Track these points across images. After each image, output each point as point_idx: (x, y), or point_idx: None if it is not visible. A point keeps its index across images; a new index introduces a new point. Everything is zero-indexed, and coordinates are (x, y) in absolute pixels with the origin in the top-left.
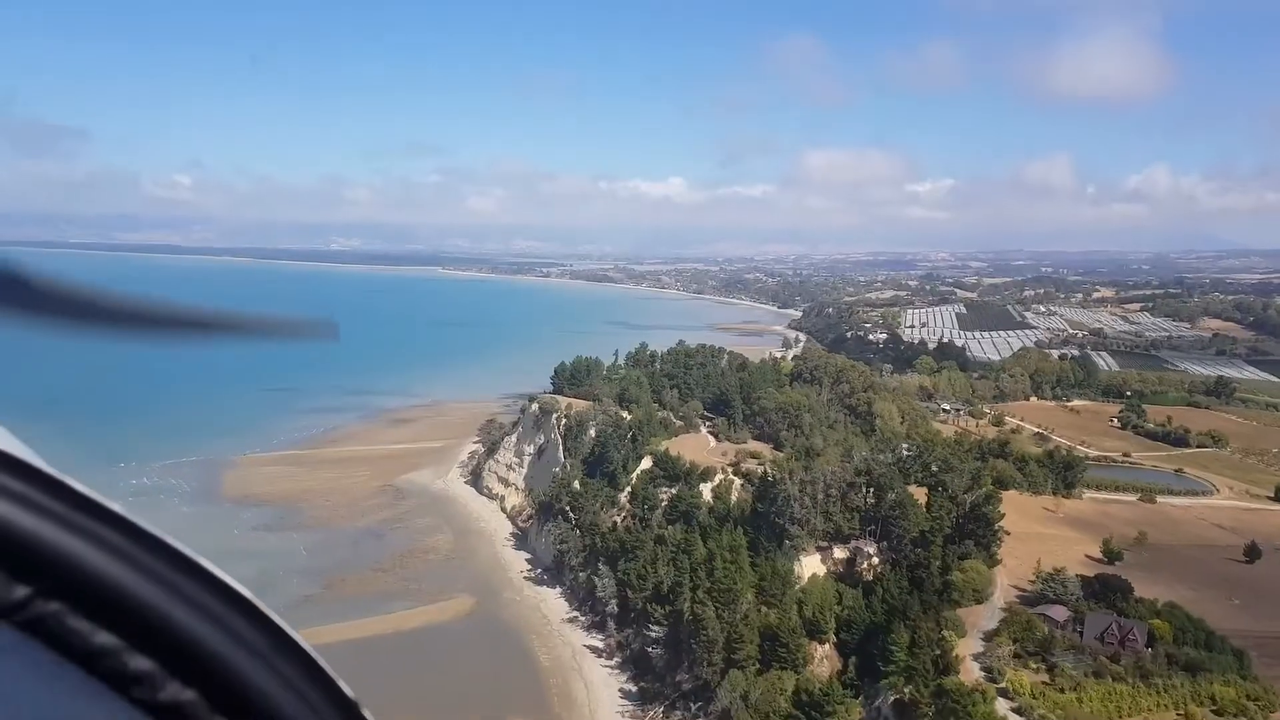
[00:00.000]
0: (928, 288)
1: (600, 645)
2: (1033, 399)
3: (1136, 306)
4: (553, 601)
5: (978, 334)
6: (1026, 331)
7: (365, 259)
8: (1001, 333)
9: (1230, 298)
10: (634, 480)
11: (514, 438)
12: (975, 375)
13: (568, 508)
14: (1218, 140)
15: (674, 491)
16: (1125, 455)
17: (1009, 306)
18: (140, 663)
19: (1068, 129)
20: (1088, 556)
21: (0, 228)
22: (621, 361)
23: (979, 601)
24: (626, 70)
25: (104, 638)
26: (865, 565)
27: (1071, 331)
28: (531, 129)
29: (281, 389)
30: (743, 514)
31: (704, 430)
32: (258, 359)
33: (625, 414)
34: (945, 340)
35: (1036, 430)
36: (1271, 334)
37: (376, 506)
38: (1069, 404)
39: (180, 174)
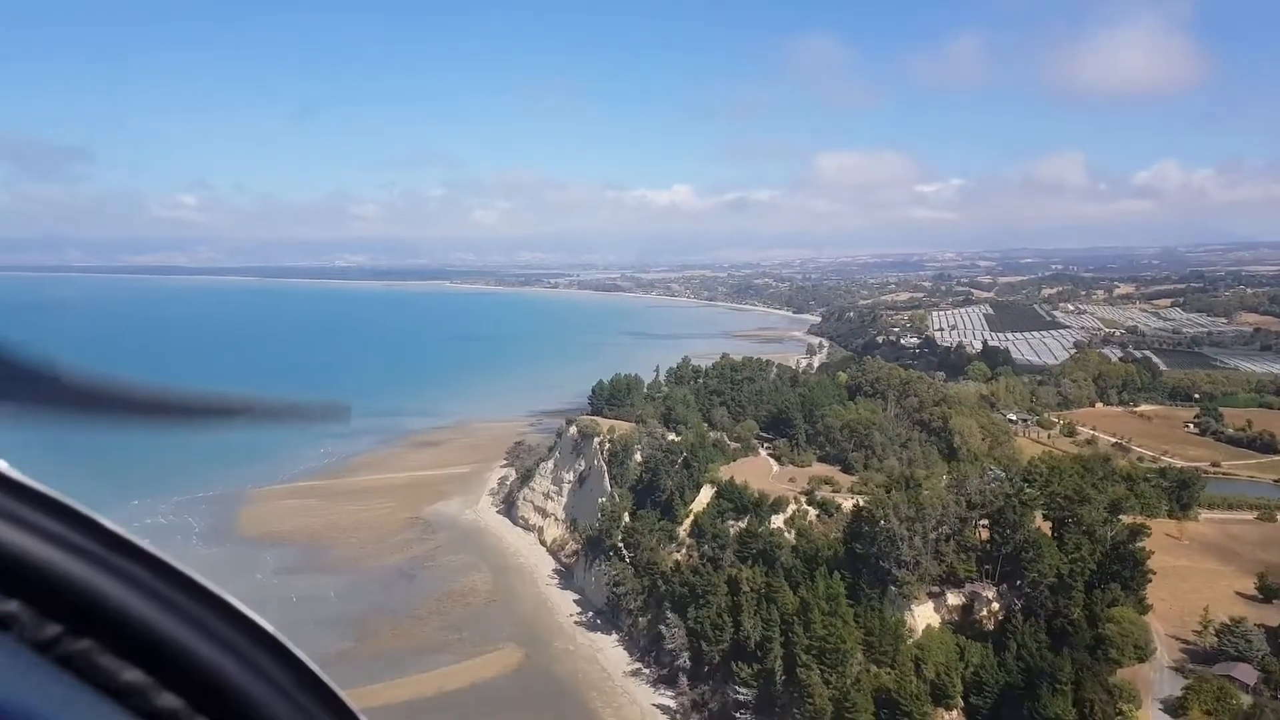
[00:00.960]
0: (943, 288)
1: (672, 704)
2: (1099, 405)
3: (1166, 302)
4: (610, 651)
5: (1011, 335)
6: (1061, 332)
7: (372, 275)
8: (1036, 333)
9: (1262, 290)
10: (694, 512)
11: (550, 464)
12: (1036, 381)
13: (621, 544)
14: (1224, 134)
15: (742, 525)
16: (1215, 465)
17: (1035, 306)
18: (168, 700)
19: (1074, 126)
20: (1239, 594)
21: (5, 253)
22: (663, 378)
23: (1141, 659)
24: (631, 77)
25: (132, 675)
26: (984, 613)
27: (1108, 330)
28: (539, 138)
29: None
30: (834, 554)
31: (763, 453)
32: (269, 383)
33: (672, 436)
34: (976, 343)
35: (1114, 440)
36: None
37: (405, 543)
38: (1137, 409)
39: (185, 194)
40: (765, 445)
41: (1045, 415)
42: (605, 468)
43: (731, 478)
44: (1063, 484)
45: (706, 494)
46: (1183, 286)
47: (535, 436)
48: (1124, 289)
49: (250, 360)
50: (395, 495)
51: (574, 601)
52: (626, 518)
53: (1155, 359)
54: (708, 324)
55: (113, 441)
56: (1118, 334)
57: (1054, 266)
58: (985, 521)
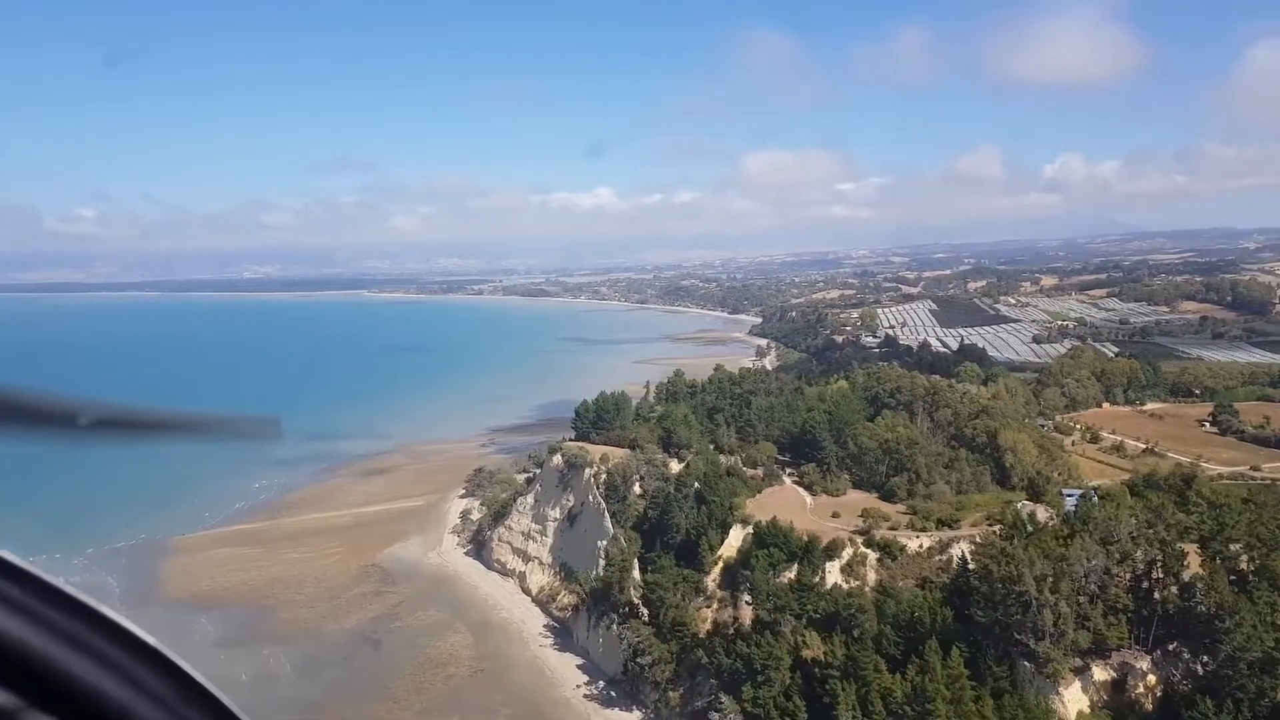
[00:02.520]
0: (870, 285)
1: None
2: (1105, 405)
3: (1102, 293)
4: None
5: (962, 330)
6: (1012, 325)
7: (283, 286)
8: (987, 328)
9: (1197, 279)
10: (724, 558)
11: (530, 498)
12: (1036, 381)
13: (636, 599)
14: (1145, 125)
15: (792, 575)
16: (1254, 469)
17: (975, 300)
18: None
19: (999, 120)
20: None
21: None
22: (653, 395)
23: None
24: (561, 79)
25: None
26: (1139, 689)
27: (1061, 323)
28: (465, 142)
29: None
30: (940, 621)
31: (788, 480)
32: (195, 400)
33: (675, 463)
34: (931, 339)
35: (1143, 446)
36: (1256, 313)
37: (363, 598)
38: (1144, 408)
39: (83, 207)
40: (788, 472)
41: (1057, 419)
42: (603, 504)
43: (774, 518)
44: (1235, 522)
45: (737, 536)
46: (1103, 277)
47: (494, 459)
48: (1047, 280)
49: (144, 385)
50: (344, 537)
51: (578, 668)
52: (637, 566)
53: (1105, 350)
54: (645, 328)
55: (11, 489)
56: (1071, 326)
57: (966, 260)
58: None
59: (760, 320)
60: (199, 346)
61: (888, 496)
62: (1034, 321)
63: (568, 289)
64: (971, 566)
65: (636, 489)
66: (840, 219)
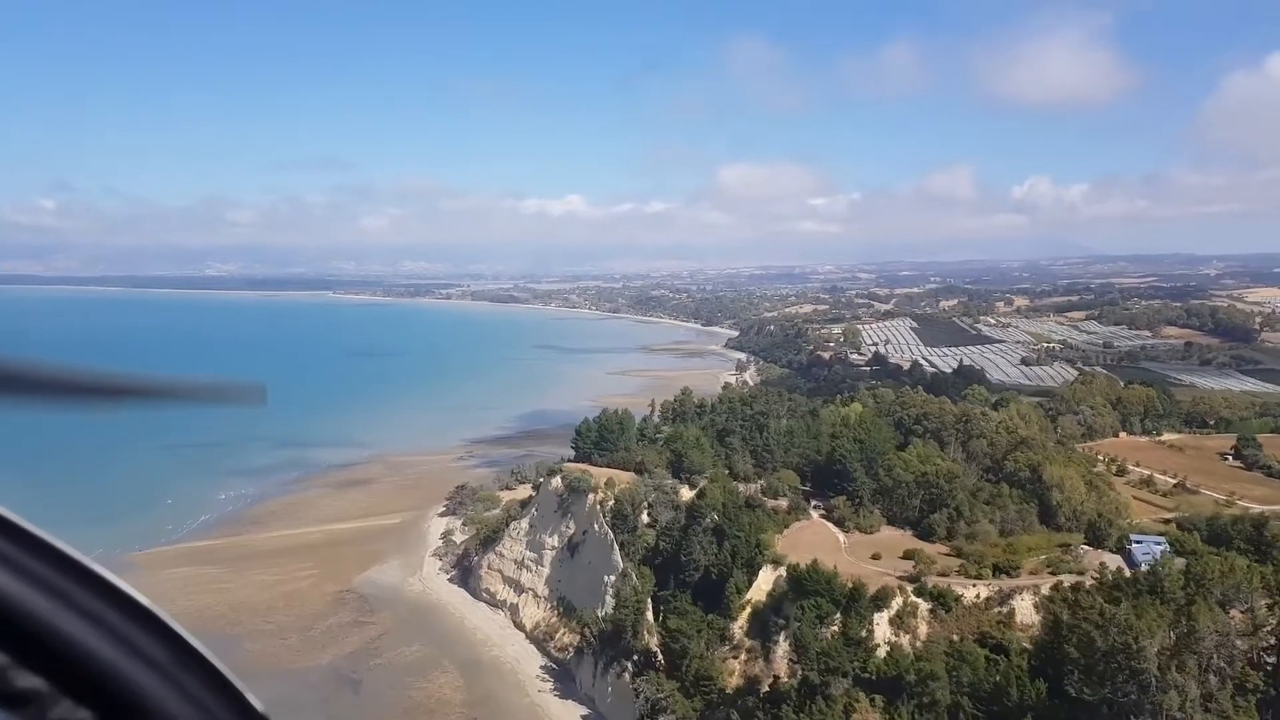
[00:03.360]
0: (842, 300)
1: None
2: (1122, 434)
3: (1081, 315)
4: None
5: (945, 350)
6: (997, 346)
7: (246, 284)
8: (973, 348)
9: (1177, 304)
10: (752, 602)
11: (524, 523)
12: (1050, 408)
13: (653, 645)
14: (1084, 151)
15: (835, 628)
16: None
17: (955, 319)
18: (28, 680)
19: (976, 138)
20: None
21: None
22: (657, 414)
23: None
24: (544, 82)
25: None
26: None
27: (1047, 345)
28: (441, 143)
29: (186, 445)
30: (1034, 696)
31: (815, 515)
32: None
33: (686, 490)
34: (918, 359)
35: (1174, 481)
36: (1241, 340)
37: (340, 629)
38: (1161, 439)
39: (44, 198)
40: (814, 504)
41: (1074, 449)
42: (610, 534)
43: (815, 562)
44: None
45: (768, 578)
46: (1074, 299)
47: (476, 473)
48: (1019, 301)
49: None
50: (316, 557)
51: (583, 719)
52: (650, 607)
53: (1102, 374)
54: (618, 337)
55: None
56: (1056, 348)
57: (933, 279)
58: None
59: (736, 333)
60: (162, 345)
61: (925, 535)
62: (1018, 343)
63: (537, 295)
64: (1054, 622)
65: (644, 517)
66: (809, 234)
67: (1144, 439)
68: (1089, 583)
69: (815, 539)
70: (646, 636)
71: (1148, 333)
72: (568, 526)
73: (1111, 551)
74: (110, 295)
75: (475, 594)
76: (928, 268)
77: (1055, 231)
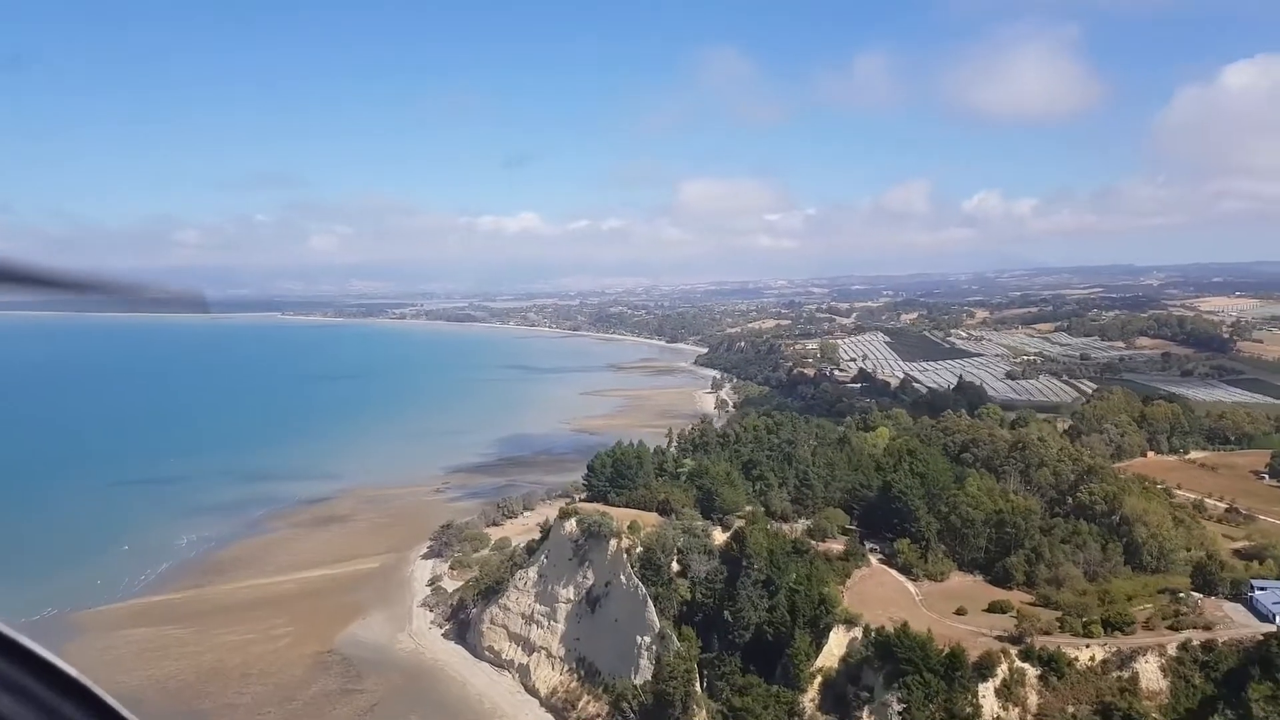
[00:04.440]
0: (804, 315)
1: None
2: (1150, 454)
3: (1049, 327)
4: None
5: (924, 364)
6: (978, 360)
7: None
8: (953, 361)
9: (1144, 315)
10: (824, 670)
11: (533, 571)
12: (1071, 427)
13: None
14: (1035, 165)
15: (935, 706)
16: None
17: (926, 333)
18: None
19: (934, 153)
20: None
21: None
22: (674, 445)
23: None
24: (507, 97)
25: None
26: None
27: (1026, 357)
28: (392, 160)
29: (144, 481)
30: None
31: (874, 561)
32: (105, 437)
33: (718, 532)
34: (898, 373)
35: (1224, 505)
36: (1217, 350)
37: (325, 699)
38: (1189, 457)
39: None
40: (868, 546)
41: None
42: (642, 587)
43: (905, 624)
44: None
45: (840, 640)
46: (1033, 310)
47: (458, 507)
48: (980, 314)
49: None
50: (291, 611)
51: None
52: (698, 678)
53: (1091, 387)
54: (584, 356)
55: None
56: (1037, 360)
57: (885, 293)
58: None
59: (704, 350)
60: (109, 373)
61: (1000, 580)
62: (997, 356)
63: (494, 314)
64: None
65: (675, 565)
66: (764, 249)
67: (1172, 458)
68: (1222, 641)
69: (883, 591)
70: (696, 710)
71: (1121, 344)
72: (585, 577)
73: (1227, 598)
74: (51, 321)
75: (476, 652)
76: (879, 281)
77: (1001, 245)
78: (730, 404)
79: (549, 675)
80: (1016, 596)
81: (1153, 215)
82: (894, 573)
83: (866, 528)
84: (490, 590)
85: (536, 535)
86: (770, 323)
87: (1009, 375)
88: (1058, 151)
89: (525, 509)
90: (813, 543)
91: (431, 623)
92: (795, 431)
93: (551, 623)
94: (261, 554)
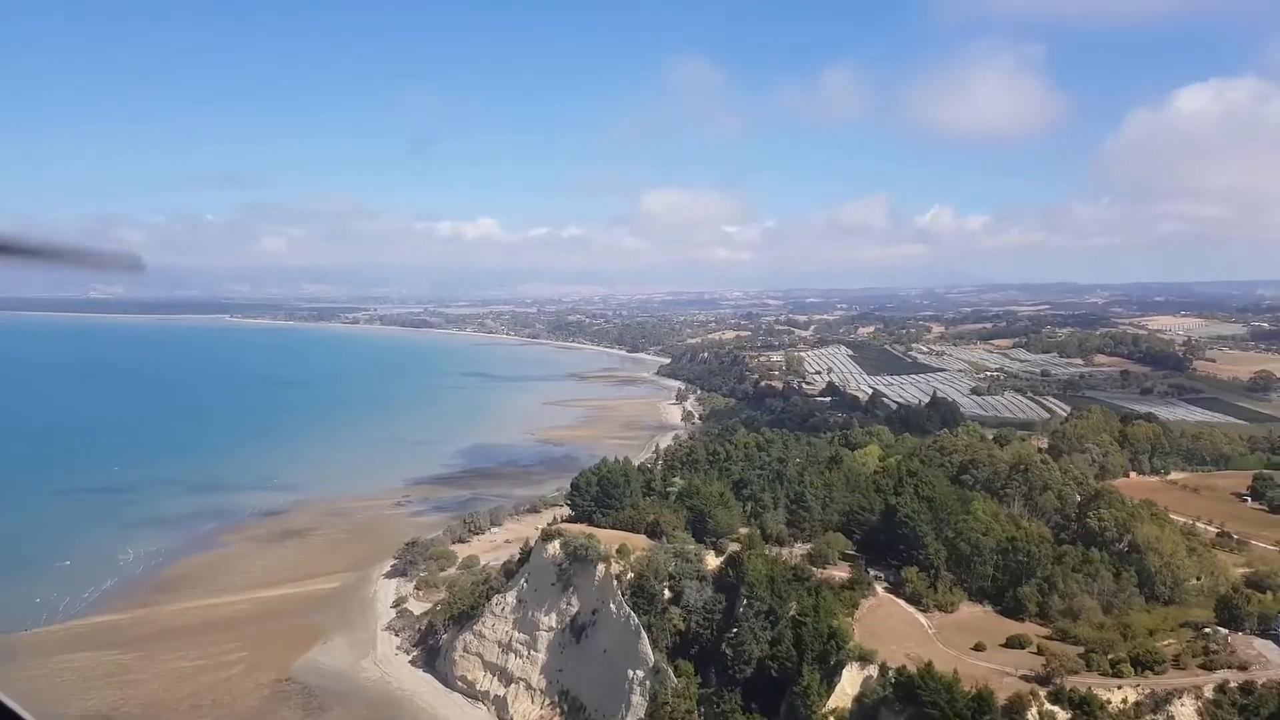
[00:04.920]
0: (763, 327)
1: None
2: (1132, 474)
3: (1008, 343)
4: None
5: (889, 378)
6: (940, 374)
7: (134, 308)
8: (915, 376)
9: (1097, 333)
10: (837, 711)
11: (510, 597)
12: (1050, 446)
13: None
14: (988, 182)
15: None
16: None
17: (887, 347)
18: None
19: (876, 170)
20: None
21: None
22: (659, 462)
23: None
24: (476, 100)
25: None
26: None
27: (989, 373)
28: (351, 162)
29: (85, 490)
30: None
31: (880, 590)
32: (45, 442)
33: (711, 556)
34: (864, 388)
35: (1215, 530)
36: (1173, 369)
37: None
38: (1169, 478)
39: None
40: (872, 573)
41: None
42: (633, 617)
43: (930, 665)
44: None
45: (853, 679)
46: (987, 326)
47: (421, 522)
48: (936, 328)
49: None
50: (245, 635)
51: None
52: (698, 717)
53: (1056, 406)
54: (544, 364)
55: None
56: (999, 376)
57: (839, 306)
58: None
59: (668, 360)
60: (48, 374)
61: (1011, 612)
62: (960, 371)
63: (451, 320)
64: None
65: (665, 592)
66: (720, 261)
67: (1154, 479)
68: (1261, 683)
69: (894, 624)
70: None
71: (1080, 361)
72: (569, 603)
73: (1255, 633)
74: None
75: (448, 682)
76: (832, 294)
77: (951, 261)
78: (696, 415)
79: (529, 709)
80: (1032, 629)
81: (1096, 235)
82: (902, 603)
83: (867, 553)
84: (464, 615)
85: (504, 553)
86: (730, 334)
87: (974, 391)
88: (1013, 169)
89: (493, 525)
90: (812, 569)
91: (398, 648)
92: (786, 449)
93: (532, 652)
94: (213, 571)
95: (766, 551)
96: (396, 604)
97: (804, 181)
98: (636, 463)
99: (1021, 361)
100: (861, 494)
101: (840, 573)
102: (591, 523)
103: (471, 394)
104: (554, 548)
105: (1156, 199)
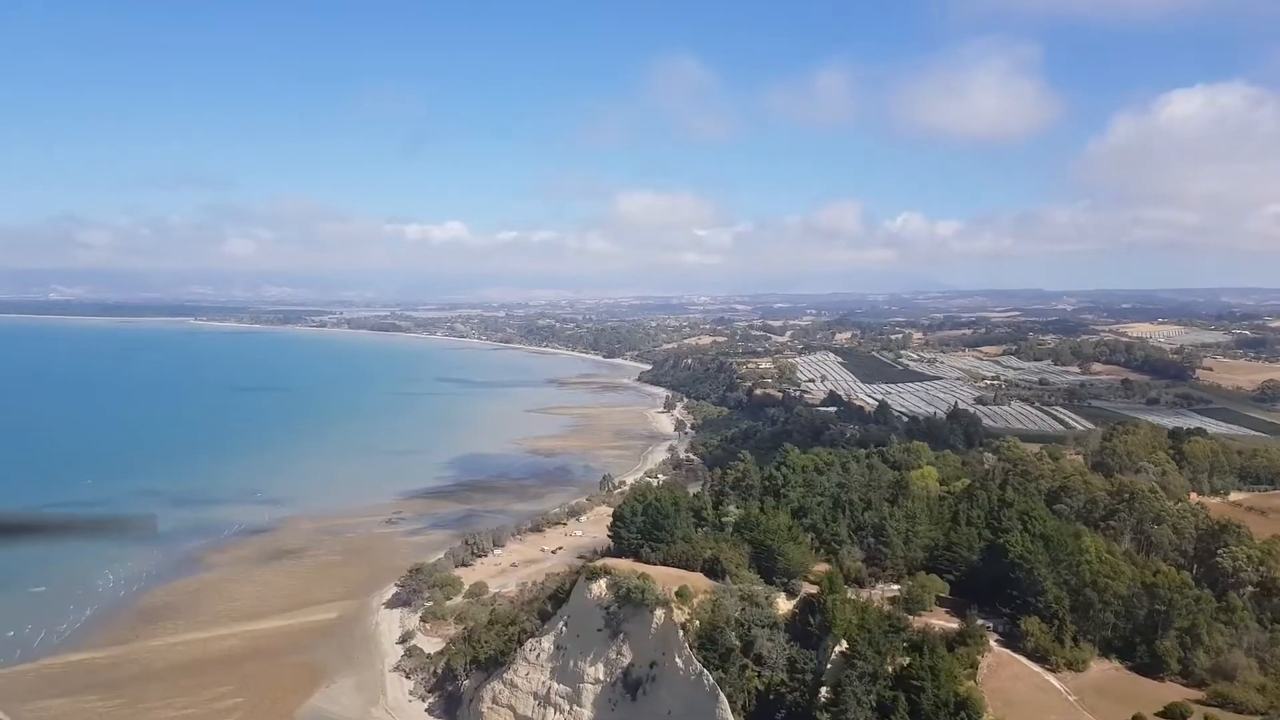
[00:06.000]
0: (739, 332)
1: None
2: (1194, 495)
3: (998, 350)
4: None
5: (887, 386)
6: (937, 383)
7: (96, 310)
8: (917, 385)
9: (1079, 340)
10: None
11: (547, 643)
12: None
13: None
14: (962, 188)
15: None
16: None
17: (875, 354)
18: None
19: (843, 177)
20: None
21: None
22: (707, 489)
23: None
24: (455, 103)
25: None
26: None
27: (989, 381)
28: (320, 164)
29: (55, 507)
30: None
31: (993, 643)
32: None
33: (782, 600)
34: (867, 399)
35: None
36: (1176, 378)
37: None
38: (1230, 498)
39: None
40: (987, 626)
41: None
42: (707, 676)
43: None
44: None
45: None
46: (968, 333)
47: (419, 541)
48: (916, 334)
49: None
50: (238, 675)
51: None
52: None
53: (1071, 418)
54: (521, 370)
55: None
56: (1001, 385)
57: (808, 311)
58: None
59: (647, 366)
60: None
61: (1148, 669)
62: (957, 379)
63: (419, 324)
64: None
65: (733, 639)
66: (690, 265)
67: (1214, 499)
68: None
69: (1024, 688)
70: None
71: (1076, 369)
72: (620, 653)
73: None
74: None
75: None
76: (799, 300)
77: (917, 266)
78: (688, 425)
79: None
80: (1179, 692)
81: (1068, 241)
82: (1023, 660)
83: (961, 595)
84: (491, 661)
85: (511, 578)
86: (706, 339)
87: (980, 401)
88: (995, 174)
89: (495, 546)
90: (905, 616)
91: (411, 694)
92: (847, 472)
93: (575, 707)
94: (198, 599)
95: (847, 595)
96: (403, 639)
97: (783, 184)
98: (632, 477)
99: (1015, 369)
100: (952, 527)
101: (938, 621)
102: (638, 558)
103: (451, 401)
104: (600, 588)
105: (1133, 204)
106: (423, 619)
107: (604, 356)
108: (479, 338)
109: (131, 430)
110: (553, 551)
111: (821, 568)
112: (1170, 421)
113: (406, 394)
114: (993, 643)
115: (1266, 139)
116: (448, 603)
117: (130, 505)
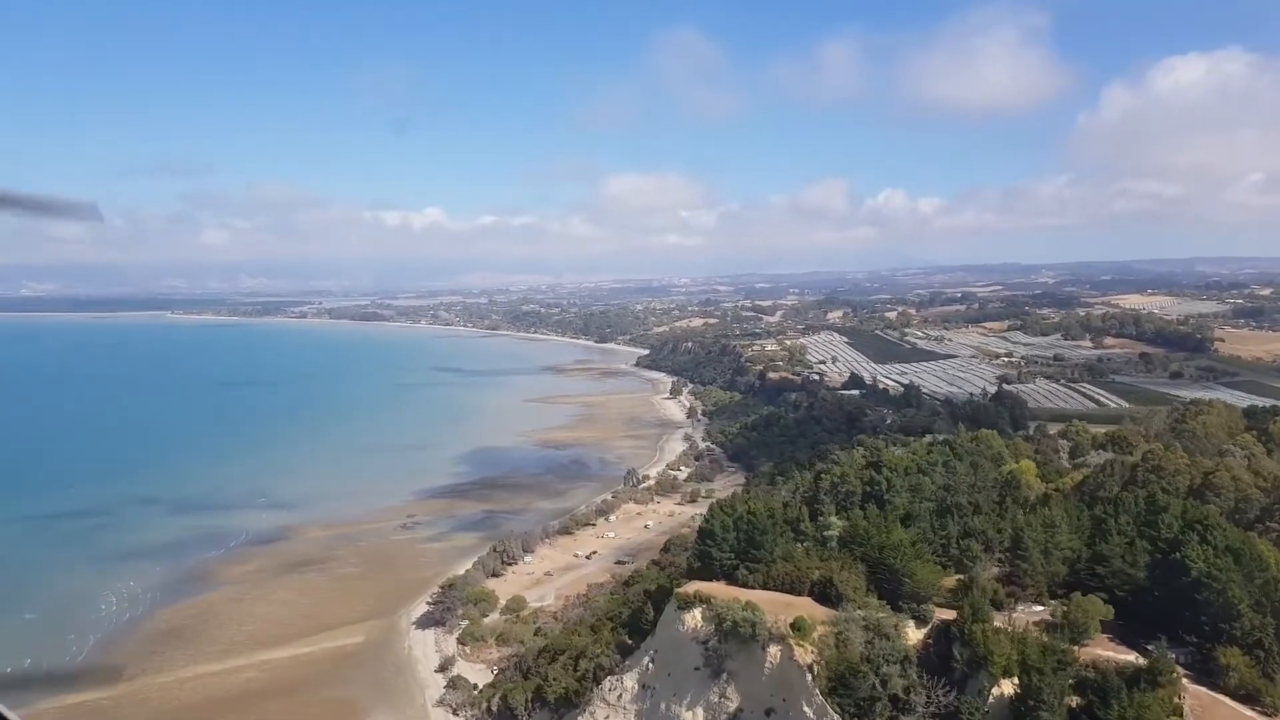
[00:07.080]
0: (730, 314)
1: None
2: None
3: (1002, 325)
4: None
5: (904, 366)
6: (953, 361)
7: (68, 305)
8: (933, 364)
9: (1096, 313)
10: None
11: (629, 681)
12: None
13: None
14: (951, 162)
15: None
16: None
17: (879, 333)
18: None
19: (846, 150)
20: None
21: None
22: (798, 496)
23: None
24: (440, 83)
25: None
26: None
27: (1008, 358)
28: (299, 150)
29: (46, 516)
30: None
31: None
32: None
33: (911, 629)
34: (887, 380)
35: None
36: (1194, 350)
37: None
38: None
39: None
40: (1150, 648)
41: None
42: None
43: None
44: None
45: None
46: (960, 309)
47: (443, 548)
48: (910, 311)
49: None
50: (263, 718)
51: None
52: None
53: (1106, 397)
54: (514, 357)
55: None
56: (1020, 362)
57: (791, 291)
58: None
59: (644, 351)
60: None
61: None
62: (972, 358)
63: (401, 312)
64: None
65: (869, 676)
66: (672, 247)
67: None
68: None
69: None
70: None
71: (1088, 343)
72: (724, 696)
73: None
74: None
75: None
76: (780, 279)
77: (896, 243)
78: (699, 411)
79: None
80: None
81: (1049, 215)
82: (1225, 699)
83: (1126, 619)
84: (563, 700)
85: (548, 589)
86: (698, 321)
87: (1004, 380)
88: (987, 150)
89: (525, 551)
90: (1069, 648)
91: None
92: (952, 473)
93: None
94: (208, 622)
95: (997, 627)
96: (443, 667)
97: (773, 164)
98: (654, 470)
99: (1025, 345)
100: (1095, 536)
101: (1104, 651)
102: (732, 581)
103: (448, 392)
104: (695, 619)
105: (1119, 176)
106: (460, 641)
107: (595, 342)
108: (465, 325)
109: (118, 431)
110: (587, 556)
111: (947, 582)
112: (1200, 395)
113: (403, 385)
114: (1184, 680)
115: (1267, 106)
116: (485, 620)
117: (125, 513)
